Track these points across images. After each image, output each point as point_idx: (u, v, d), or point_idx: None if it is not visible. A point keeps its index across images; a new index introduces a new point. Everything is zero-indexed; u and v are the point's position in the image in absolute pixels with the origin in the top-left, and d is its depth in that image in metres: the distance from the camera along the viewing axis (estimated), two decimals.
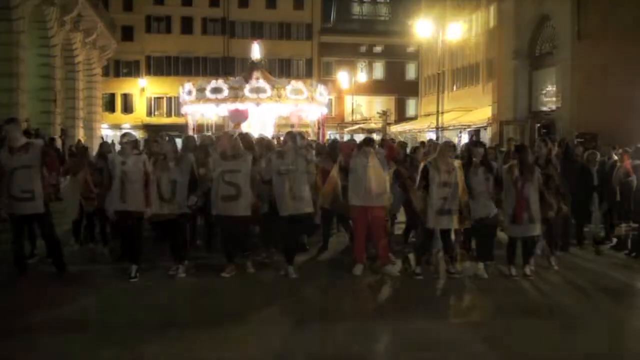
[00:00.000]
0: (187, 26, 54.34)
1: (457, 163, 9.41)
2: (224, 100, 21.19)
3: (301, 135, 12.66)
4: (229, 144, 9.12)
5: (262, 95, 20.68)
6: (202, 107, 22.41)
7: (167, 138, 9.41)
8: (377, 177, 9.31)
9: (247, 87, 20.87)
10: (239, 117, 21.25)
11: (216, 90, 21.26)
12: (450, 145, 9.56)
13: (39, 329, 6.74)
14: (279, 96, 20.90)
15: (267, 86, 20.94)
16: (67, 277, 8.89)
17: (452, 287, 8.76)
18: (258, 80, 21.23)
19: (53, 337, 6.50)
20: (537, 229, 9.28)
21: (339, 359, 6.10)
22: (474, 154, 9.27)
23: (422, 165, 9.41)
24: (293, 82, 22.14)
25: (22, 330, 6.69)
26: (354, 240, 9.85)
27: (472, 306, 7.99)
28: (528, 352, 6.29)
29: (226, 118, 23.53)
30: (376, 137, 24.70)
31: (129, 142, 8.97)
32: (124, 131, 38.82)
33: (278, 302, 7.97)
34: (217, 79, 23.07)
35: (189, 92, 22.30)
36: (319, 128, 25.01)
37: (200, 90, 21.68)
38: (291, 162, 9.04)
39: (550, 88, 24.07)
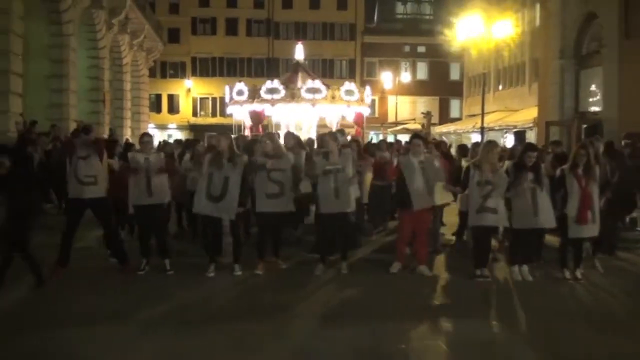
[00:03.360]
0: (232, 27, 54.87)
1: (506, 164, 9.40)
2: (245, 102, 21.45)
3: (342, 132, 12.81)
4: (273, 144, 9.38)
5: (276, 96, 20.76)
6: (237, 108, 22.67)
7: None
8: (430, 175, 9.32)
9: (262, 89, 21.03)
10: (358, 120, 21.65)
11: (239, 92, 21.54)
12: (494, 144, 9.45)
13: (83, 320, 7.01)
14: (293, 96, 20.92)
15: (280, 86, 21.01)
16: (108, 270, 9.25)
17: (497, 289, 8.76)
18: (273, 81, 21.38)
19: (97, 328, 6.75)
20: (597, 230, 9.24)
21: (377, 356, 6.16)
22: (527, 159, 9.08)
23: (465, 165, 9.45)
24: (309, 81, 22.08)
25: (68, 320, 6.98)
26: (398, 239, 9.89)
27: (517, 308, 7.92)
28: (570, 355, 6.28)
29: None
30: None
31: (149, 141, 9.60)
32: (169, 131, 39.49)
33: (321, 299, 8.13)
34: (240, 81, 23.41)
35: (240, 92, 22.66)
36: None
37: (239, 93, 21.99)
38: (336, 162, 9.21)
39: (597, 88, 23.64)
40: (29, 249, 8.23)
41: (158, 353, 6.12)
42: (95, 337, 6.48)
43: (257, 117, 21.60)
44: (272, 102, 20.84)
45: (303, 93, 20.92)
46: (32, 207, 8.56)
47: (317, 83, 21.47)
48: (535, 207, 9.00)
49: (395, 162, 10.96)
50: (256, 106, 21.19)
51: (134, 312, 7.33)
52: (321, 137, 12.12)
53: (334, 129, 21.11)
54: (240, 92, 21.47)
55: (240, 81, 23.81)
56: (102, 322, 6.94)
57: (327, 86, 21.56)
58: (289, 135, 12.16)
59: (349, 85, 22.26)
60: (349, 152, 9.67)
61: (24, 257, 8.20)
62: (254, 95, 21.10)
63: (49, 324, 6.88)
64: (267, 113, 22.02)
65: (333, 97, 21.31)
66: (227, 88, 23.04)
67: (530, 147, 9.56)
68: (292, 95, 20.91)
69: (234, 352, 6.14)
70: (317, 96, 21.01)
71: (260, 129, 20.98)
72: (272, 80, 21.73)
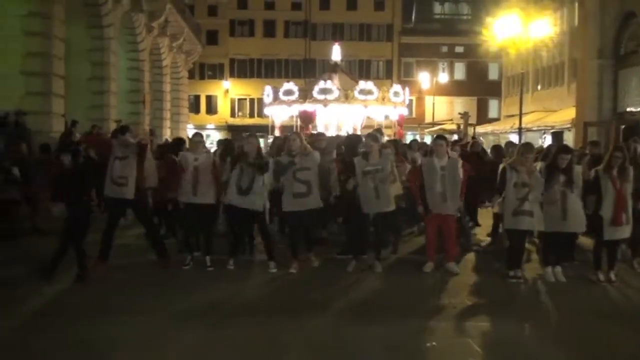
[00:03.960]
0: (269, 29, 55.38)
1: (539, 164, 9.38)
2: (294, 102, 21.58)
3: (380, 131, 12.91)
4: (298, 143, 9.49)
5: (329, 97, 20.88)
6: (283, 108, 22.81)
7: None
8: (450, 182, 9.35)
9: (315, 89, 21.13)
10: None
11: (288, 92, 21.67)
12: (529, 147, 9.43)
13: (121, 312, 7.30)
14: (347, 97, 21.05)
15: (333, 87, 21.13)
16: (147, 266, 9.55)
17: (529, 290, 8.77)
18: (326, 82, 21.48)
19: (133, 319, 7.02)
20: (630, 231, 9.19)
21: (407, 352, 6.26)
22: (560, 161, 9.01)
23: (501, 167, 9.40)
24: (362, 82, 22.22)
25: (106, 312, 7.27)
26: (426, 241, 9.98)
27: (549, 309, 7.92)
28: (603, 355, 6.29)
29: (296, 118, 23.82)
30: (455, 138, 24.52)
31: (200, 141, 9.83)
32: (207, 131, 40.04)
33: (353, 296, 8.25)
34: (289, 81, 23.58)
35: (268, 95, 22.77)
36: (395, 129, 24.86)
37: (276, 92, 22.17)
38: (376, 162, 9.34)
39: (636, 88, 23.29)
40: (82, 245, 8.61)
41: (193, 344, 6.30)
42: (132, 327, 6.72)
43: (308, 117, 21.71)
44: (325, 103, 21.00)
45: (356, 94, 21.08)
46: (90, 205, 8.98)
47: (370, 85, 21.60)
48: (565, 211, 8.94)
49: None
50: (308, 106, 21.30)
51: (171, 305, 7.57)
52: (347, 138, 12.15)
53: (358, 130, 21.24)
54: (289, 92, 21.53)
55: (288, 81, 23.97)
56: (140, 313, 7.20)
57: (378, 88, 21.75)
58: (321, 135, 12.29)
59: (396, 87, 22.43)
60: (389, 152, 9.78)
61: (77, 251, 8.56)
62: (305, 95, 21.22)
63: (89, 314, 7.15)
64: (318, 113, 22.16)
65: (383, 99, 21.48)
66: (267, 88, 23.16)
67: (564, 149, 9.44)
68: (346, 96, 21.08)
69: (265, 346, 6.29)
70: (370, 97, 21.18)
71: (310, 129, 21.16)
72: (325, 80, 21.88)
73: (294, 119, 23.44)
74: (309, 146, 9.59)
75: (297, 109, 21.95)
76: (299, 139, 9.53)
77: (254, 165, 9.28)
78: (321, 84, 21.44)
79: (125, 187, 9.24)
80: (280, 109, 22.65)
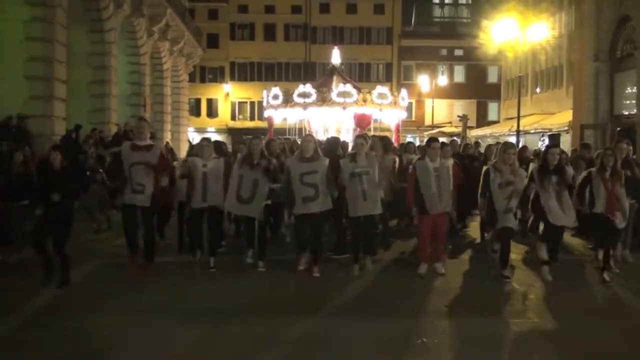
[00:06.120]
0: (269, 33, 55.60)
1: (531, 166, 9.57)
2: (350, 104, 21.57)
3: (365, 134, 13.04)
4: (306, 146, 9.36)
5: (348, 100, 20.97)
6: (284, 111, 22.87)
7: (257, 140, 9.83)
8: (443, 183, 9.38)
9: (374, 94, 21.21)
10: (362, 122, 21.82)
11: (344, 95, 21.54)
12: (509, 145, 9.57)
13: (131, 309, 7.54)
14: (364, 100, 21.16)
15: (353, 90, 21.23)
16: (155, 267, 9.63)
17: (517, 289, 8.90)
18: (345, 85, 21.54)
19: (142, 317, 7.26)
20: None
21: (401, 349, 6.44)
22: (550, 157, 9.21)
23: (484, 169, 9.56)
24: (379, 87, 22.31)
25: (116, 310, 7.51)
26: (419, 242, 10.03)
27: (538, 307, 8.05)
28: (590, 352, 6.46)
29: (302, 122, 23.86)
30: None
31: (206, 145, 9.69)
32: (208, 134, 39.98)
33: (347, 295, 8.42)
34: (275, 85, 23.65)
35: (275, 97, 22.77)
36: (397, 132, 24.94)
37: (275, 96, 22.22)
38: (365, 164, 9.29)
39: (631, 91, 23.48)
40: (65, 248, 8.66)
41: (190, 342, 6.50)
42: (130, 326, 6.93)
43: (364, 120, 21.77)
44: (381, 107, 21.15)
45: (374, 99, 21.17)
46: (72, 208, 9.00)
47: (348, 87, 21.61)
48: (563, 209, 9.18)
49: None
50: (365, 109, 21.39)
51: (171, 304, 7.79)
52: (327, 141, 12.18)
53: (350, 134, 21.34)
54: (344, 94, 21.26)
55: (305, 85, 23.85)
56: (138, 312, 7.43)
57: (358, 90, 21.74)
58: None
59: (381, 88, 22.34)
60: (375, 154, 9.83)
61: (60, 255, 8.60)
62: (365, 98, 21.25)
63: (89, 312, 7.39)
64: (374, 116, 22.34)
65: (365, 101, 21.45)
66: (274, 89, 23.11)
67: (553, 144, 9.73)
68: (364, 99, 21.19)
69: (263, 342, 6.50)
70: (348, 100, 21.16)
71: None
72: (382, 85, 22.00)
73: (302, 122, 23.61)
74: (318, 150, 9.42)
75: (354, 111, 21.75)
76: (314, 142, 9.41)
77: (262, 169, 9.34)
78: (379, 88, 21.64)
79: (141, 195, 9.10)
80: (287, 112, 22.62)
